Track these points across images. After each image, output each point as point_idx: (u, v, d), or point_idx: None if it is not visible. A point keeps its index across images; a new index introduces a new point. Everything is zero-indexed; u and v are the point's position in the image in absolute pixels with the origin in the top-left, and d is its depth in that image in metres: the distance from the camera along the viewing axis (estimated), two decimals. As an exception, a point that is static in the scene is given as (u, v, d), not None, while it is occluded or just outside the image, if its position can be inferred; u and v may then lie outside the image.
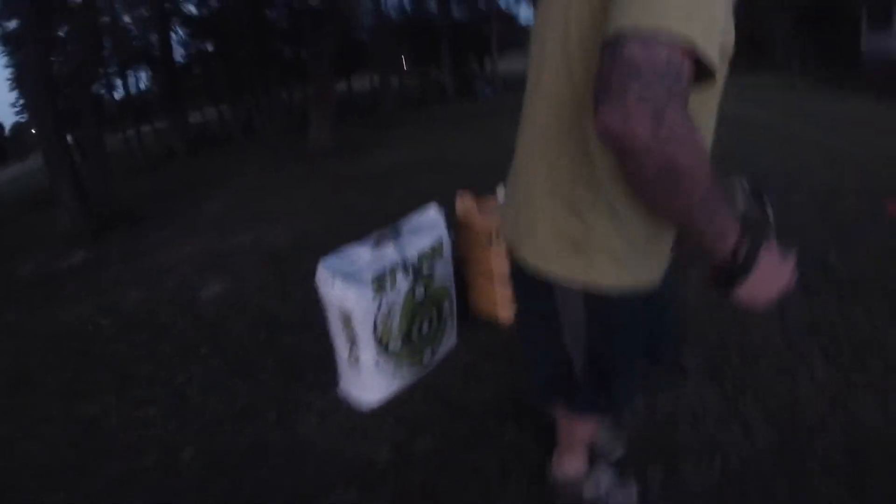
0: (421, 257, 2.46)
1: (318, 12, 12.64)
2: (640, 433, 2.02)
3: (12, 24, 11.73)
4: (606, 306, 1.17)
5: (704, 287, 2.71)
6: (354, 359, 2.38)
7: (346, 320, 2.29)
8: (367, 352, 2.34)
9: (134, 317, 4.04)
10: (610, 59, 0.78)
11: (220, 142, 24.26)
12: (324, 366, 2.69)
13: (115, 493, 2.21)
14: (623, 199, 1.04)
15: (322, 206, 6.64)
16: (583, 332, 1.24)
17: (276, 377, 2.86)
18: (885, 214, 3.76)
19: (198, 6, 24.72)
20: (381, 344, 2.34)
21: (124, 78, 28.74)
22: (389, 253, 2.37)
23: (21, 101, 26.45)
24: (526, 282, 1.27)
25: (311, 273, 2.35)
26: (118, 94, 29.79)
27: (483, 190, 3.22)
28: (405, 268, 2.39)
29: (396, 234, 2.50)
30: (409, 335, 2.44)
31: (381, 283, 2.29)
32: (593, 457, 1.82)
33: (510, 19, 40.98)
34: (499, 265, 2.82)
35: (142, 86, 31.93)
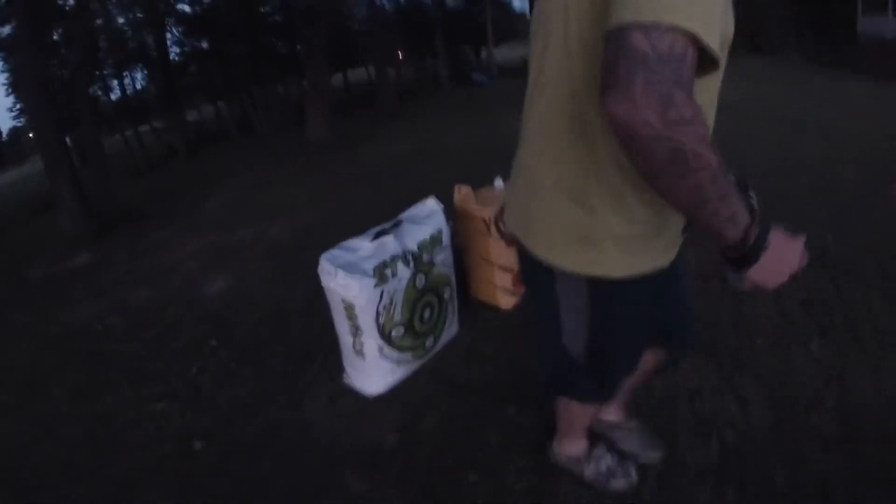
0: (421, 247, 2.53)
1: (311, 6, 12.60)
2: (638, 412, 2.07)
3: (6, 30, 11.70)
4: (610, 294, 1.20)
5: (703, 267, 2.79)
6: (358, 348, 2.46)
7: (350, 311, 2.37)
8: (371, 341, 2.41)
9: (143, 314, 4.13)
10: (615, 49, 0.79)
11: (217, 139, 24.28)
12: (331, 352, 2.77)
13: (133, 484, 2.30)
14: (628, 186, 1.06)
15: (322, 199, 6.70)
16: (585, 321, 1.28)
17: (285, 365, 2.95)
18: (891, 199, 3.75)
19: (191, 4, 24.68)
20: (385, 333, 2.42)
21: (120, 79, 28.72)
22: (390, 243, 2.43)
23: (18, 106, 26.47)
24: (530, 273, 1.32)
25: (315, 265, 2.42)
26: (115, 95, 29.79)
27: (481, 178, 3.27)
28: (405, 258, 2.46)
29: (396, 226, 2.57)
30: (411, 323, 2.52)
31: (382, 273, 2.36)
32: (593, 437, 1.88)
33: (504, 7, 40.82)
34: (497, 253, 2.89)
35: (138, 86, 31.88)
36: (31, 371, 3.63)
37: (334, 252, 2.42)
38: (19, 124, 40.72)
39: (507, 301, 3.00)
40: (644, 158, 0.82)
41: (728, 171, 0.86)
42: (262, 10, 25.31)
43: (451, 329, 2.81)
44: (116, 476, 2.37)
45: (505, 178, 3.14)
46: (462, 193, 2.95)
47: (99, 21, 18.96)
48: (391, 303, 2.41)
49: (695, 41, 0.79)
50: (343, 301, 2.37)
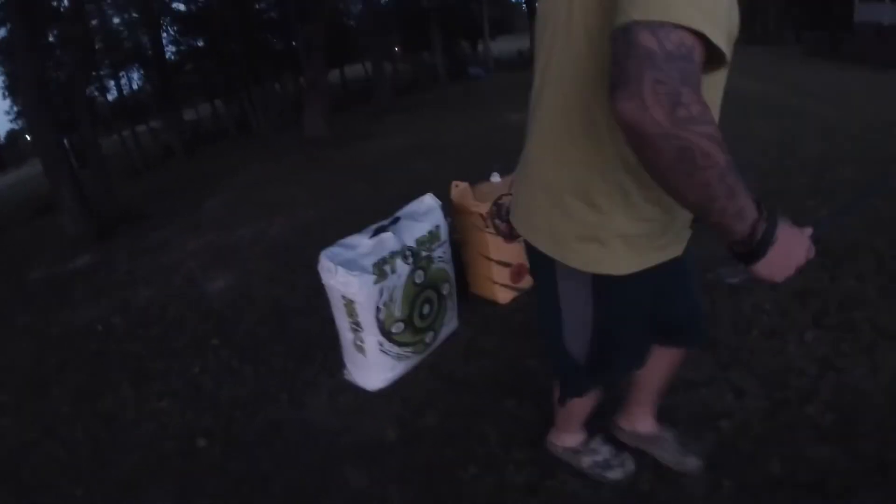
0: (419, 243, 2.55)
1: (308, 4, 12.59)
2: None
3: (2, 33, 11.71)
4: (614, 290, 1.21)
5: (697, 261, 2.80)
6: (359, 344, 2.48)
7: (350, 307, 2.39)
8: (371, 337, 2.43)
9: (145, 314, 4.15)
10: (623, 47, 0.79)
11: (215, 138, 24.28)
12: (332, 349, 2.79)
13: (134, 483, 2.32)
14: (634, 184, 1.07)
15: (320, 196, 6.71)
16: (587, 319, 1.30)
17: (286, 362, 2.97)
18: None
19: (186, 3, 24.65)
20: (384, 329, 2.44)
21: (117, 79, 28.70)
22: (389, 240, 2.45)
23: (16, 109, 26.45)
24: (535, 269, 1.33)
25: (314, 263, 2.44)
26: (111, 96, 29.77)
27: (479, 173, 3.28)
28: (404, 254, 2.48)
29: (395, 222, 2.59)
30: (410, 319, 2.53)
31: (381, 269, 2.38)
32: (591, 428, 1.88)
33: (500, 0, 40.65)
34: (495, 248, 2.91)
35: (134, 86, 31.85)
36: (32, 371, 3.65)
37: (334, 249, 2.44)
38: (17, 127, 40.64)
39: (505, 296, 3.02)
40: (653, 157, 0.82)
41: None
42: (257, 7, 25.29)
43: (450, 324, 2.83)
44: (117, 475, 2.40)
45: (501, 173, 3.17)
46: (459, 189, 2.97)
47: (94, 22, 18.93)
48: (391, 299, 2.43)
49: (702, 38, 0.79)
50: (343, 298, 2.39)
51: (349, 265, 2.33)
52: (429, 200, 2.73)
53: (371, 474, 2.08)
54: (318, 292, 2.61)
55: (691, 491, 1.73)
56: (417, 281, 2.54)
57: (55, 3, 12.51)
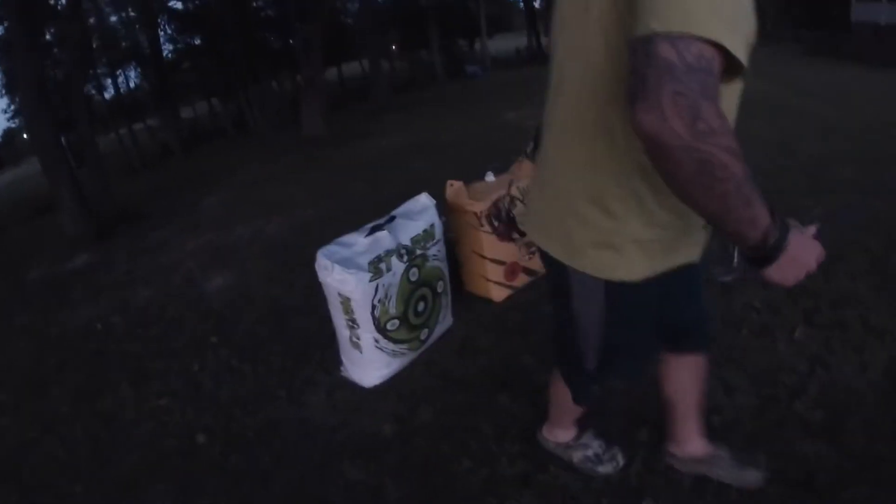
0: (414, 241, 2.59)
1: (306, 1, 12.60)
2: (626, 398, 2.12)
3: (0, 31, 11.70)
4: (627, 296, 1.21)
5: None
6: (355, 341, 2.52)
7: (346, 304, 2.43)
8: (367, 334, 2.47)
9: (144, 314, 4.18)
10: (644, 59, 0.79)
11: (212, 137, 24.25)
12: (329, 347, 2.83)
13: (135, 482, 2.35)
14: (649, 190, 1.07)
15: (318, 195, 6.73)
16: (600, 321, 1.30)
17: (285, 360, 3.00)
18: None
19: (183, 1, 24.62)
20: (380, 326, 2.48)
21: (114, 77, 28.66)
22: (384, 238, 2.49)
23: (13, 107, 26.39)
24: (550, 275, 1.34)
25: (312, 262, 2.48)
26: (108, 94, 29.73)
27: (476, 171, 3.31)
28: (399, 252, 2.52)
29: (390, 221, 2.63)
30: (405, 316, 2.57)
31: (377, 267, 2.42)
32: (582, 423, 1.90)
33: (497, -2, 40.63)
34: (489, 246, 2.95)
35: (132, 84, 31.80)
36: (31, 371, 3.68)
37: (330, 248, 2.47)
38: (14, 125, 40.52)
39: (499, 294, 3.06)
40: (672, 169, 0.83)
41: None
42: (254, 5, 25.25)
43: (445, 322, 2.87)
44: (117, 474, 2.43)
45: (496, 172, 3.21)
46: (454, 188, 3.00)
47: (92, 20, 18.91)
48: (386, 296, 2.47)
49: (721, 49, 0.79)
50: (339, 295, 2.43)
51: (345, 263, 2.36)
52: (424, 199, 2.77)
53: (368, 469, 2.11)
54: (315, 291, 2.64)
55: (680, 485, 1.76)
56: (412, 279, 2.58)
57: (53, 2, 12.51)
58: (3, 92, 22.61)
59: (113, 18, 23.56)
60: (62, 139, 8.30)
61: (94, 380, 3.31)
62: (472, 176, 3.25)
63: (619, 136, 1.02)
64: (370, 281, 2.39)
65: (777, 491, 1.68)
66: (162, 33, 24.38)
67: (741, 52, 0.81)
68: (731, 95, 1.02)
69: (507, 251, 3.01)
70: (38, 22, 10.58)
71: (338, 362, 2.74)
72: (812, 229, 1.04)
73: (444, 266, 2.80)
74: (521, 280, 3.12)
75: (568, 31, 1.09)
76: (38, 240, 8.68)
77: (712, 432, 1.86)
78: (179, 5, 25.07)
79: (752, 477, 1.69)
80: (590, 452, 1.88)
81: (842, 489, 1.65)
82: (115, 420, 2.85)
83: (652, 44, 0.78)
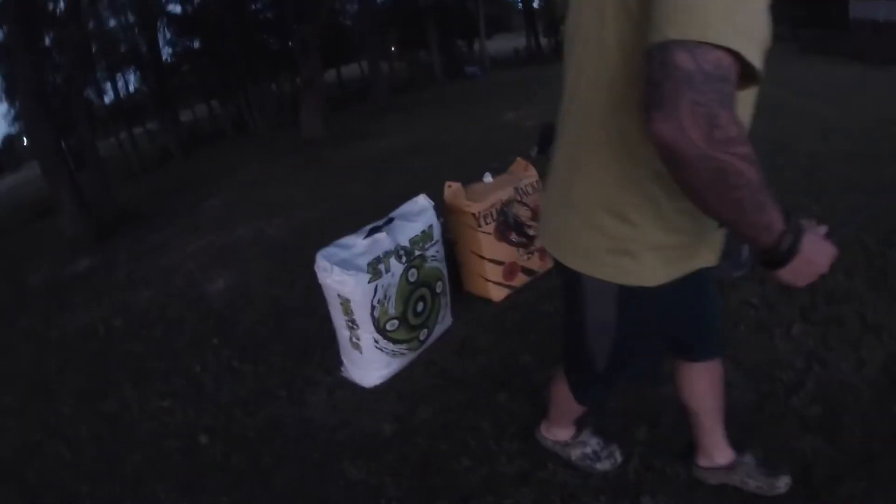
0: (412, 242, 2.61)
1: (303, 1, 12.62)
2: (624, 396, 2.11)
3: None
4: (641, 299, 1.20)
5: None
6: (355, 342, 2.54)
7: (345, 305, 2.45)
8: (367, 334, 2.49)
9: (145, 315, 4.20)
10: (661, 68, 0.79)
11: (212, 139, 24.27)
12: (329, 347, 2.85)
13: (138, 481, 2.37)
14: (664, 192, 1.06)
15: (318, 196, 6.75)
16: (612, 325, 1.28)
17: (286, 360, 3.03)
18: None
19: (182, 4, 24.64)
20: (379, 326, 2.50)
21: (113, 81, 28.67)
22: (383, 240, 2.51)
23: (13, 113, 26.38)
24: (563, 280, 1.32)
25: (313, 261, 2.49)
26: (108, 98, 29.73)
27: (476, 170, 3.33)
28: (398, 253, 2.53)
29: (389, 222, 2.65)
30: (405, 316, 2.59)
31: (376, 268, 2.44)
32: (580, 421, 1.91)
33: (496, -2, 40.64)
34: (487, 247, 2.97)
35: (131, 88, 31.81)
36: (35, 374, 3.70)
37: (329, 249, 2.49)
38: (14, 131, 40.52)
39: (498, 294, 3.08)
40: (688, 177, 0.83)
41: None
42: (253, 7, 25.28)
43: (444, 322, 2.89)
44: (121, 473, 2.45)
45: (495, 173, 3.23)
46: (452, 189, 3.02)
47: (91, 24, 18.93)
48: (385, 297, 2.49)
49: (738, 57, 0.79)
50: (339, 296, 2.45)
51: (344, 265, 2.38)
52: (422, 201, 2.79)
53: (368, 468, 2.13)
54: (315, 292, 2.66)
55: (677, 481, 1.78)
56: (411, 279, 2.59)
57: (52, 6, 12.53)
58: (3, 97, 22.66)
59: (112, 23, 23.56)
60: (62, 143, 8.32)
61: (96, 381, 3.34)
62: (471, 176, 3.27)
63: (635, 142, 1.01)
64: (369, 282, 2.41)
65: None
66: (161, 36, 24.45)
67: (757, 60, 0.81)
68: (746, 101, 1.03)
69: (505, 251, 3.03)
70: (37, 26, 10.59)
71: (338, 362, 2.76)
72: (824, 229, 1.04)
73: (442, 266, 2.81)
74: (520, 280, 3.14)
75: (582, 38, 1.08)
76: (39, 243, 8.71)
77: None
78: (178, 9, 25.07)
79: (782, 483, 1.66)
80: (588, 450, 1.89)
81: (838, 484, 1.66)
82: (118, 421, 2.88)
83: (668, 52, 0.78)
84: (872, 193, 3.55)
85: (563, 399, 1.69)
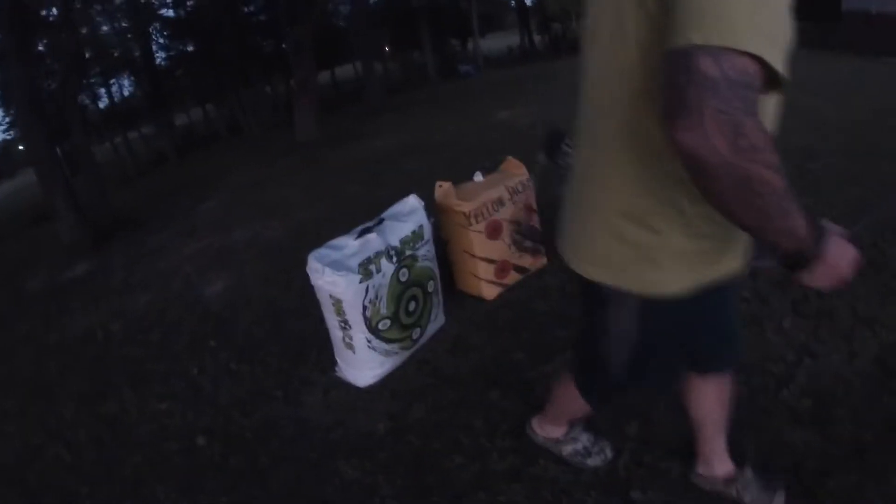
0: (403, 242, 2.64)
1: (295, 3, 12.61)
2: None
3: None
4: (664, 308, 1.16)
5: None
6: (348, 342, 2.57)
7: (338, 306, 2.48)
8: (359, 334, 2.52)
9: (143, 319, 4.23)
10: (684, 73, 0.77)
11: (207, 142, 24.26)
12: (325, 347, 2.86)
13: (138, 483, 2.41)
14: (687, 197, 1.03)
15: (313, 197, 6.77)
16: (634, 333, 1.25)
17: (282, 361, 3.06)
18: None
19: (175, 7, 24.60)
20: (372, 326, 2.53)
21: (107, 86, 28.64)
22: (373, 240, 2.54)
23: (7, 120, 26.36)
24: (583, 290, 1.31)
25: (306, 264, 2.52)
26: (102, 103, 29.70)
27: (470, 170, 3.35)
28: (389, 253, 2.56)
29: (379, 223, 2.68)
30: (396, 316, 2.62)
31: (367, 269, 2.47)
32: (573, 419, 1.92)
33: (489, -4, 40.58)
34: (479, 246, 2.99)
35: (125, 92, 31.79)
36: (34, 378, 3.74)
37: (321, 251, 2.53)
38: (9, 137, 40.40)
39: (490, 292, 3.10)
40: (712, 185, 0.82)
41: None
42: (246, 10, 25.25)
43: (437, 320, 2.91)
44: (121, 475, 2.48)
45: (485, 172, 3.25)
46: (442, 189, 3.04)
47: (84, 30, 18.89)
48: (376, 297, 2.52)
49: (762, 63, 0.77)
50: (331, 297, 2.48)
51: (336, 266, 2.41)
52: (412, 201, 2.81)
53: (363, 467, 2.16)
54: (311, 293, 2.68)
55: (668, 477, 1.80)
56: (402, 279, 2.62)
57: (44, 13, 12.51)
58: (-2, 104, 22.60)
59: (105, 28, 23.50)
60: (57, 149, 8.33)
61: (95, 385, 3.37)
62: (465, 176, 3.29)
63: (657, 148, 0.98)
64: (360, 282, 2.44)
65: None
66: (154, 41, 24.42)
67: (781, 65, 0.79)
68: (769, 106, 1.01)
69: (497, 250, 3.05)
70: (30, 32, 10.58)
71: (333, 363, 2.79)
72: (847, 232, 1.02)
73: (434, 266, 2.84)
74: (512, 278, 3.17)
75: (601, 43, 1.05)
76: (36, 249, 8.73)
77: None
78: (171, 13, 25.01)
79: (779, 501, 1.64)
80: (579, 446, 1.91)
81: (829, 477, 1.67)
82: (117, 423, 2.91)
83: (692, 57, 0.76)
84: (870, 188, 3.56)
85: (567, 400, 1.68)
